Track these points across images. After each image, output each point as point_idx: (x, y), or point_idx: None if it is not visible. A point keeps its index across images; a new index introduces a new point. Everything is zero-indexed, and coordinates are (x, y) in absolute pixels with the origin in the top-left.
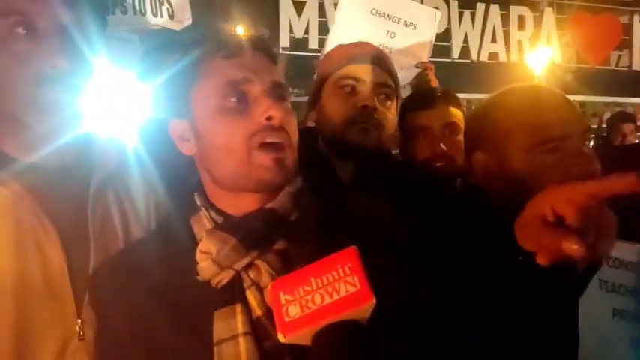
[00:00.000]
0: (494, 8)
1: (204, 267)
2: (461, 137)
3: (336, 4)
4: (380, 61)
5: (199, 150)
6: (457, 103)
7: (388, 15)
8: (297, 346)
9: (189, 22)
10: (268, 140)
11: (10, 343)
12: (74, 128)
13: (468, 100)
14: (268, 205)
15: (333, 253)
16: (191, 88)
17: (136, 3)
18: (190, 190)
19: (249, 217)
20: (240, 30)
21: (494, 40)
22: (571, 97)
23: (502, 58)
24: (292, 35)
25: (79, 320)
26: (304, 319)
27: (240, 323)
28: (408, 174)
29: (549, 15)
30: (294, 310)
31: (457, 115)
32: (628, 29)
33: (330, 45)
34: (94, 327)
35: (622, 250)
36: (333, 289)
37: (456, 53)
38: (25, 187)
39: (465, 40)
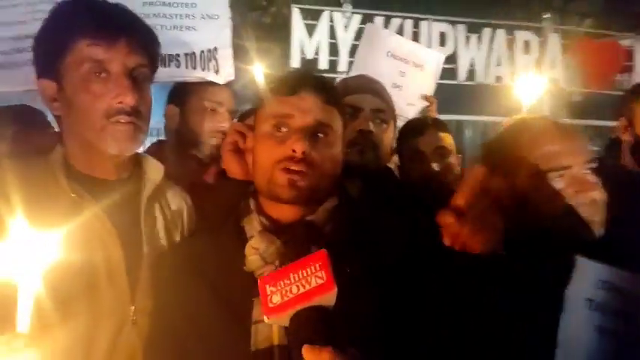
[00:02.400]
0: (500, 33)
1: (252, 260)
2: (450, 159)
3: (346, 27)
4: (376, 90)
5: (252, 163)
6: (446, 130)
7: (400, 57)
8: None
9: (231, 77)
10: (289, 167)
11: (83, 323)
12: (134, 150)
13: (474, 123)
14: (308, 217)
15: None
16: (258, 114)
17: (188, 59)
18: (246, 197)
19: (293, 225)
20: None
21: (499, 63)
22: (578, 121)
23: (508, 81)
24: (303, 56)
25: (133, 307)
26: (283, 305)
27: None
28: (409, 191)
29: (554, 40)
30: (276, 298)
31: (446, 139)
32: (630, 54)
33: None
34: (146, 313)
35: (609, 273)
36: (306, 282)
37: (462, 76)
38: (93, 198)
39: (472, 64)
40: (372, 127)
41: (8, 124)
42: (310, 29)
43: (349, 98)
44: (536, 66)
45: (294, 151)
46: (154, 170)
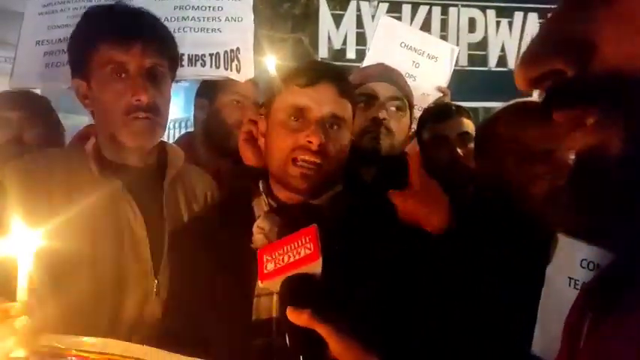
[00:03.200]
0: (533, 17)
1: (258, 239)
2: (472, 145)
3: (373, 17)
4: (392, 78)
5: (265, 147)
6: (469, 116)
7: (414, 48)
8: None
9: (251, 76)
10: (302, 157)
11: (110, 292)
12: (152, 143)
13: None
14: (312, 201)
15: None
16: (273, 100)
17: (214, 59)
18: (257, 178)
19: (297, 207)
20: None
21: None
22: None
23: None
24: (331, 46)
25: (156, 281)
26: (276, 271)
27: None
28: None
29: None
30: (270, 266)
31: (469, 125)
32: None
33: None
34: (167, 284)
35: (594, 253)
36: (296, 252)
37: (492, 62)
38: (122, 182)
39: (502, 49)
40: (386, 114)
41: (14, 109)
42: (337, 19)
43: (365, 86)
44: None
45: (310, 142)
46: (175, 156)
